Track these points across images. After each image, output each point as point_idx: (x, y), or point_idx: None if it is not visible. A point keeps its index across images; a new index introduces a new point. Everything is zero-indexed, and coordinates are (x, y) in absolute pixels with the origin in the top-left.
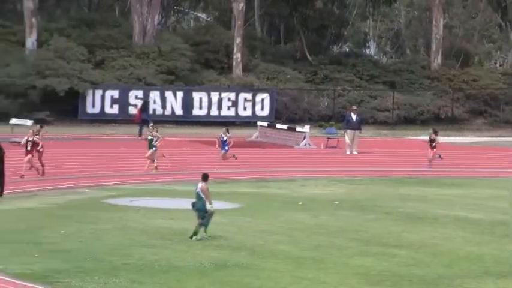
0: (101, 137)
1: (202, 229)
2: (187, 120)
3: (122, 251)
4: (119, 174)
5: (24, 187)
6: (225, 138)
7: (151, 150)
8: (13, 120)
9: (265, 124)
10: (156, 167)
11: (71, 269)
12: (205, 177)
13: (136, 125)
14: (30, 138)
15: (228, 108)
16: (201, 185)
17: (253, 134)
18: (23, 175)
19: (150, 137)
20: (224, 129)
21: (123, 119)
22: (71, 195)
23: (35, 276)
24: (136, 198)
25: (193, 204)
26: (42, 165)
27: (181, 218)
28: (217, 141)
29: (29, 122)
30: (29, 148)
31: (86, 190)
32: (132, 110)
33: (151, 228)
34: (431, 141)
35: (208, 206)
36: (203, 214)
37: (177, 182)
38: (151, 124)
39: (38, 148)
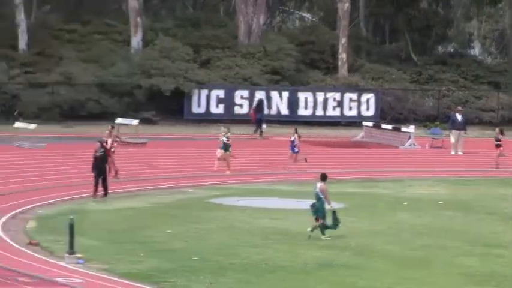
0: (207, 136)
1: (316, 229)
2: (292, 120)
3: (227, 250)
4: (224, 174)
5: (129, 187)
6: (292, 138)
7: (226, 153)
8: (118, 120)
9: (371, 124)
10: (229, 168)
11: (176, 269)
12: (323, 177)
13: (251, 124)
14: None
15: (333, 108)
16: (319, 185)
17: (359, 134)
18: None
19: (225, 139)
20: (293, 129)
21: (228, 118)
22: (176, 194)
23: (140, 276)
24: (241, 197)
25: (313, 205)
26: (114, 167)
27: (285, 218)
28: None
29: (135, 122)
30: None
31: (191, 190)
32: (238, 110)
33: (257, 228)
34: (497, 140)
35: (327, 206)
36: (322, 214)
37: (281, 182)
38: (224, 127)
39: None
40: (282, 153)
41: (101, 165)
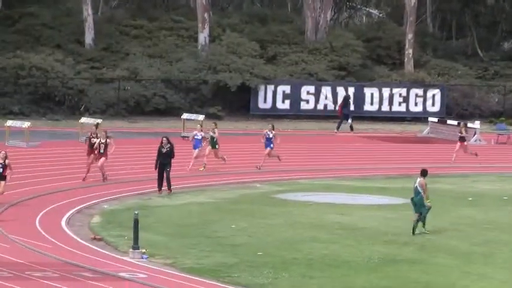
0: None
1: (420, 224)
2: (358, 115)
3: (291, 245)
4: (290, 169)
5: (194, 182)
6: (270, 135)
7: (214, 149)
8: (185, 115)
9: (436, 120)
10: (204, 165)
11: (240, 264)
12: (424, 173)
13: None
14: (103, 140)
15: (399, 104)
16: (419, 180)
17: (424, 130)
18: (84, 178)
19: (212, 135)
20: (270, 125)
21: (294, 114)
22: (242, 189)
23: (205, 271)
24: (307, 193)
25: (412, 199)
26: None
27: (350, 213)
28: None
29: (201, 117)
30: (102, 151)
31: (258, 185)
32: (304, 105)
33: (322, 223)
34: (462, 135)
35: (426, 202)
36: (420, 209)
37: (347, 178)
38: (214, 123)
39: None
40: (348, 149)
41: (166, 161)
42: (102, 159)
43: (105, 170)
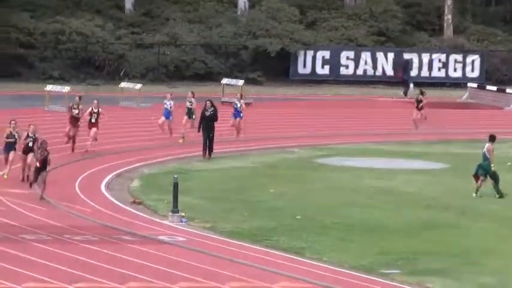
0: (312, 97)
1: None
2: (398, 81)
3: (330, 209)
4: (328, 134)
5: (234, 147)
6: (238, 105)
7: (190, 119)
8: (224, 81)
9: (475, 85)
10: (183, 137)
11: (279, 228)
12: (492, 138)
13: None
14: (95, 110)
15: (439, 69)
16: (487, 145)
17: (463, 95)
18: (87, 151)
19: (188, 104)
20: (190, 93)
21: (334, 79)
22: (281, 154)
23: (244, 235)
24: (345, 157)
25: (480, 165)
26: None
27: (389, 177)
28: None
29: (240, 82)
30: (93, 120)
31: (296, 150)
32: (343, 71)
33: (361, 188)
34: (418, 102)
35: (492, 167)
36: (485, 173)
37: (389, 143)
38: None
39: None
40: (387, 114)
41: (210, 125)
42: (94, 129)
43: (94, 142)
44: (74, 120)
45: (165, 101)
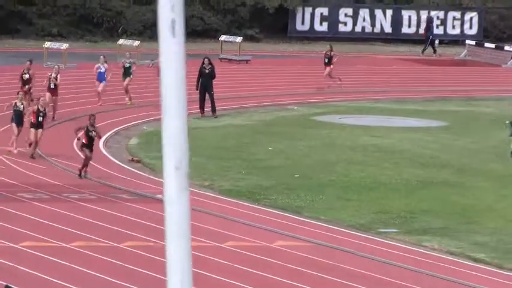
0: (310, 54)
1: None
2: (395, 38)
3: (328, 167)
4: (328, 91)
5: (232, 104)
6: (103, 69)
7: (127, 78)
8: (222, 37)
9: (473, 43)
10: (130, 98)
11: (277, 186)
12: None
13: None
14: (54, 75)
15: (437, 26)
16: None
17: (461, 53)
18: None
19: (127, 64)
20: (102, 57)
21: (332, 36)
22: (279, 112)
23: (241, 193)
24: (343, 115)
25: (510, 123)
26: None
27: (387, 135)
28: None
29: (238, 39)
30: (52, 86)
31: (295, 107)
32: (342, 28)
33: (359, 146)
34: (328, 58)
35: None
36: None
37: (387, 100)
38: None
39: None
40: (385, 71)
41: (207, 82)
42: (48, 95)
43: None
44: (24, 85)
45: (99, 65)
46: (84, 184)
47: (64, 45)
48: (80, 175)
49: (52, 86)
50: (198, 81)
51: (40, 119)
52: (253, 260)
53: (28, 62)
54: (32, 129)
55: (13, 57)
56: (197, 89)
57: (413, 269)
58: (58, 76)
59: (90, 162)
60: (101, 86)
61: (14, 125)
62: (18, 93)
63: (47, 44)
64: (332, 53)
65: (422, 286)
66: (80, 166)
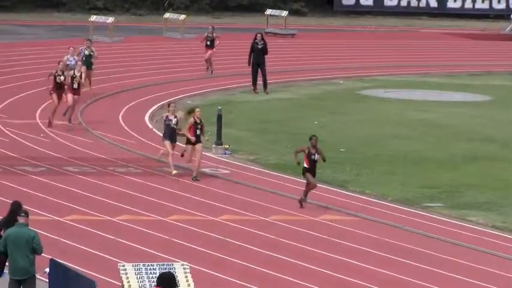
0: (356, 28)
1: None
2: (441, 12)
3: (374, 142)
4: (373, 65)
5: (278, 78)
6: (73, 61)
7: (89, 70)
8: (268, 11)
9: None
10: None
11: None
12: None
13: None
14: (78, 74)
15: (483, 1)
16: None
17: (507, 27)
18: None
19: (87, 53)
20: (71, 49)
21: (378, 10)
22: (325, 86)
23: (288, 167)
24: (389, 89)
25: None
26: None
27: (433, 110)
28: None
29: (284, 13)
30: (75, 86)
31: (341, 81)
32: (387, 2)
33: (405, 120)
34: (210, 40)
35: None
36: None
37: (432, 75)
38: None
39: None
40: (432, 46)
41: (260, 58)
42: (75, 97)
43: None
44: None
45: (67, 56)
46: (131, 158)
47: (110, 19)
48: (301, 200)
49: (75, 86)
50: (250, 57)
51: (198, 132)
52: (298, 233)
53: (62, 64)
54: (189, 146)
55: (60, 31)
56: (249, 65)
57: (458, 243)
58: (82, 75)
59: (134, 133)
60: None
61: (167, 142)
62: (169, 106)
63: (93, 18)
64: (214, 34)
65: (466, 259)
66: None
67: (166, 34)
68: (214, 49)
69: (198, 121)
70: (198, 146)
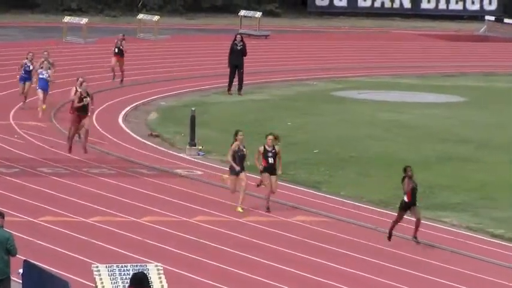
0: (329, 29)
1: None
2: (415, 13)
3: (347, 143)
4: (346, 67)
5: (251, 79)
6: (31, 67)
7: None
8: (242, 12)
9: (493, 18)
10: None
11: (297, 161)
12: None
13: None
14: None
15: (456, 2)
16: None
17: (481, 28)
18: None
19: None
20: (30, 54)
21: (351, 11)
22: (299, 87)
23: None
24: (363, 90)
25: None
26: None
27: (406, 110)
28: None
29: (257, 14)
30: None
31: (315, 82)
32: (361, 3)
33: (378, 121)
34: (119, 48)
35: None
36: None
37: (406, 76)
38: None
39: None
40: (405, 47)
41: (239, 59)
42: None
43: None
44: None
45: (40, 70)
46: (104, 159)
47: (84, 20)
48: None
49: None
50: (229, 58)
51: (270, 160)
52: (270, 234)
53: (83, 83)
54: (266, 174)
55: (34, 32)
56: (229, 66)
57: (432, 244)
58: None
59: (107, 134)
60: (41, 94)
61: (232, 176)
62: (237, 134)
63: (67, 19)
64: (124, 42)
65: (439, 261)
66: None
67: (139, 35)
68: (123, 58)
69: (269, 148)
70: (242, 175)
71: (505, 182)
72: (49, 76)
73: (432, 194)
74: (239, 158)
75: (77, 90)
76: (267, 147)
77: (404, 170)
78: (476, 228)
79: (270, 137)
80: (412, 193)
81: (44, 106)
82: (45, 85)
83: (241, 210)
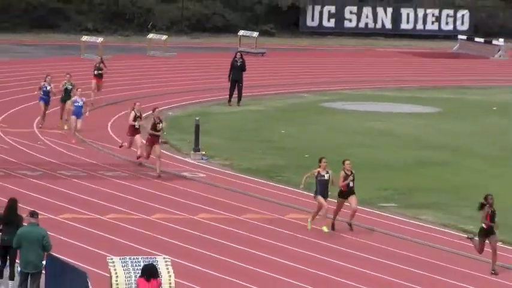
0: (318, 47)
1: None
2: (395, 33)
3: (335, 149)
4: (334, 81)
5: (249, 92)
6: (48, 88)
7: (63, 103)
8: (241, 32)
9: (465, 37)
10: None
11: (290, 165)
12: None
13: None
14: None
15: (432, 23)
16: None
17: (454, 46)
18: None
19: (68, 86)
20: (49, 78)
21: (338, 31)
22: (291, 99)
23: (258, 171)
24: (349, 102)
25: None
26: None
27: (388, 120)
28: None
29: (255, 34)
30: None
31: (305, 95)
32: (347, 24)
33: (363, 129)
34: (98, 69)
35: None
36: None
37: (388, 89)
38: None
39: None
40: (386, 63)
41: (238, 74)
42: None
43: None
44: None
45: (75, 98)
46: (118, 163)
47: (99, 39)
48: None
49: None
50: (230, 73)
51: (351, 183)
52: (268, 230)
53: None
54: (321, 198)
55: (55, 50)
56: (229, 80)
57: (408, 238)
58: (72, 83)
59: (121, 141)
60: (79, 123)
61: (320, 197)
62: (320, 161)
63: (84, 38)
64: (102, 65)
65: (414, 252)
66: None
67: (149, 53)
68: (101, 79)
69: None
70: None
71: (477, 185)
72: (84, 103)
73: (411, 195)
74: (319, 182)
75: (135, 115)
76: (346, 171)
77: (485, 198)
78: (450, 225)
79: (348, 161)
80: (491, 220)
81: (66, 126)
82: (79, 112)
83: (326, 230)
